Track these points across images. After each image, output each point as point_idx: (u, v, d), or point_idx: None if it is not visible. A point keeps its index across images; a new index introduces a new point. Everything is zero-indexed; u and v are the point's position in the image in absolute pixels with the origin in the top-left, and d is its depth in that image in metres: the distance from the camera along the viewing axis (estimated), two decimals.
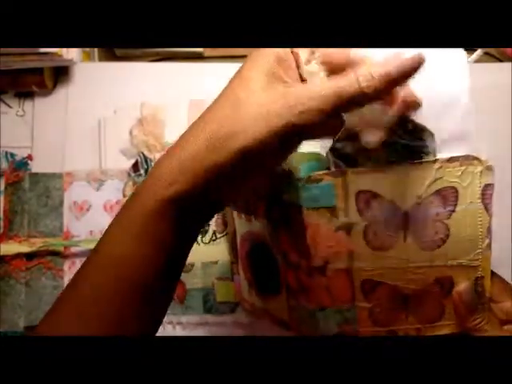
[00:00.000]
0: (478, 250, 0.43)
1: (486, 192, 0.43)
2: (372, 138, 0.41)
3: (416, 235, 0.44)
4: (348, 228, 0.44)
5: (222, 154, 0.35)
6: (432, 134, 0.42)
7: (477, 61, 0.64)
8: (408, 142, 0.42)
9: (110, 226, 0.38)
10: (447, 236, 0.43)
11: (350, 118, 0.39)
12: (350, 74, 0.36)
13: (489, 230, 0.43)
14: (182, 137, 0.38)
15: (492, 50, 0.64)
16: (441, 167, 0.42)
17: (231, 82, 0.40)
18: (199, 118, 0.39)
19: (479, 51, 0.64)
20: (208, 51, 0.66)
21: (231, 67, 0.63)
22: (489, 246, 0.44)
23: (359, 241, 0.44)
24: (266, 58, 0.38)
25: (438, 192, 0.43)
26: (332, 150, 0.42)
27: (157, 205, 0.36)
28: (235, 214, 0.56)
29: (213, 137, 0.36)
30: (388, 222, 0.44)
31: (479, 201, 0.43)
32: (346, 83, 0.35)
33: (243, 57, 0.65)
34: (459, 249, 0.43)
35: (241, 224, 0.55)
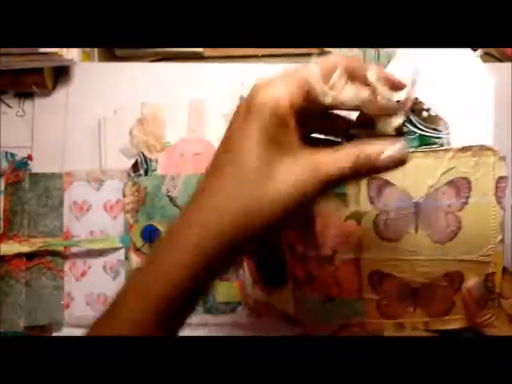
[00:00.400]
0: (490, 246, 0.43)
1: (500, 185, 0.42)
2: (388, 125, 0.40)
3: (427, 226, 0.43)
4: (358, 217, 0.44)
5: (247, 231, 0.35)
6: (447, 124, 0.41)
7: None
8: (423, 131, 0.41)
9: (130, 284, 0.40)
10: (459, 229, 0.43)
11: (367, 105, 0.38)
12: (351, 152, 0.35)
13: (502, 224, 0.43)
14: (199, 209, 0.37)
15: (492, 50, 0.64)
16: (453, 157, 0.42)
17: (225, 150, 0.39)
18: (205, 194, 0.38)
19: (479, 51, 0.64)
20: (208, 51, 0.66)
21: (231, 67, 0.64)
22: (501, 241, 0.43)
23: (369, 230, 0.44)
24: (260, 118, 0.35)
25: (450, 182, 0.43)
26: (347, 136, 0.42)
27: (180, 272, 0.36)
28: None
29: (234, 218, 0.36)
30: (399, 212, 0.43)
31: (492, 193, 0.42)
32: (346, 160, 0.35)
33: (243, 57, 0.65)
34: (471, 243, 0.43)
35: None
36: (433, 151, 0.42)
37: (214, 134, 0.62)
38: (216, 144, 0.61)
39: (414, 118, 0.41)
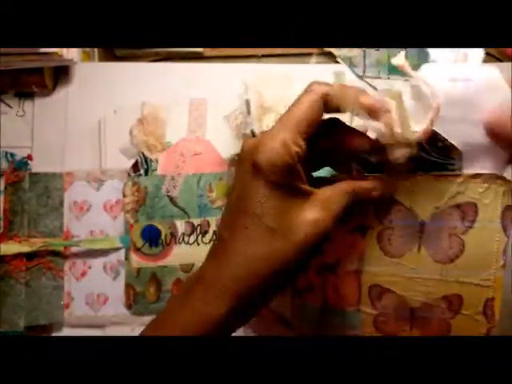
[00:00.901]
0: (492, 271, 0.43)
1: (507, 213, 0.42)
2: (400, 153, 0.41)
3: (430, 246, 0.43)
4: (363, 230, 0.44)
5: (277, 276, 0.38)
6: (460, 153, 0.41)
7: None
8: (436, 158, 0.42)
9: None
10: (461, 251, 0.43)
11: (380, 131, 0.40)
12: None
13: (504, 251, 0.42)
14: (219, 255, 0.40)
15: (492, 50, 0.64)
16: (463, 182, 0.42)
17: (240, 198, 0.39)
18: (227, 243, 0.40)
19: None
20: (208, 51, 0.66)
21: (231, 67, 0.64)
22: (502, 267, 0.43)
23: (373, 244, 0.44)
24: (269, 176, 0.37)
25: (457, 206, 0.42)
26: (357, 161, 0.43)
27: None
28: None
29: (264, 265, 0.38)
30: (404, 230, 0.44)
31: (498, 220, 0.42)
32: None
33: (243, 57, 0.65)
34: (472, 266, 0.43)
35: None
36: (443, 175, 0.42)
37: (214, 134, 0.62)
38: (216, 144, 0.62)
39: (427, 146, 0.41)
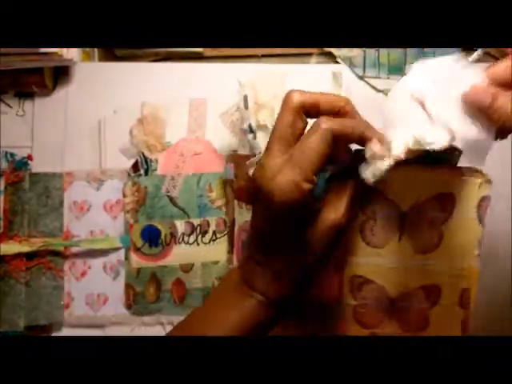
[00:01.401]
0: (468, 261, 0.44)
1: (482, 203, 0.44)
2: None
3: (411, 236, 0.44)
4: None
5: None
6: (460, 152, 0.41)
7: (477, 61, 0.64)
8: (437, 155, 0.42)
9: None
10: (440, 241, 0.44)
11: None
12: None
13: (480, 241, 0.44)
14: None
15: (492, 50, 0.64)
16: (442, 174, 0.44)
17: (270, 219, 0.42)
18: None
19: (479, 51, 0.64)
20: (208, 51, 0.66)
21: (231, 67, 0.64)
22: (478, 257, 0.44)
23: (356, 235, 0.45)
24: (288, 211, 0.40)
25: (436, 196, 0.44)
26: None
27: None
28: (236, 203, 0.56)
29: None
30: (386, 220, 0.45)
31: (474, 210, 0.44)
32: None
33: (243, 57, 0.65)
34: (450, 256, 0.44)
35: (241, 213, 0.55)
36: (424, 167, 0.43)
37: (214, 133, 0.62)
38: (216, 144, 0.62)
39: None
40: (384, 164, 0.39)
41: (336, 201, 0.42)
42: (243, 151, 0.59)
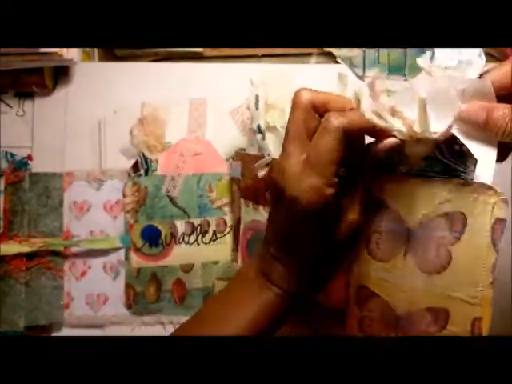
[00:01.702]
0: (480, 288, 0.40)
1: (497, 226, 0.40)
2: (416, 149, 0.42)
3: (416, 254, 0.42)
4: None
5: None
6: (476, 161, 0.40)
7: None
8: (450, 162, 0.41)
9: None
10: (448, 263, 0.41)
11: (400, 131, 0.40)
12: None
13: (493, 268, 0.40)
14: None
15: (492, 50, 0.64)
16: (452, 189, 0.41)
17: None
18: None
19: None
20: (208, 51, 0.66)
21: (231, 67, 0.64)
22: (491, 284, 0.40)
23: (361, 246, 0.44)
24: (310, 214, 0.40)
25: (445, 215, 0.41)
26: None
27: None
28: (242, 201, 0.56)
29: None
30: (392, 234, 0.43)
31: (488, 234, 0.40)
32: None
33: (243, 57, 0.65)
34: (460, 280, 0.41)
35: (247, 212, 0.55)
36: (433, 180, 0.41)
37: (214, 134, 0.62)
38: (216, 144, 0.62)
39: (443, 147, 0.41)
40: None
41: (352, 200, 0.43)
42: (252, 150, 0.59)
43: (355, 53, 0.64)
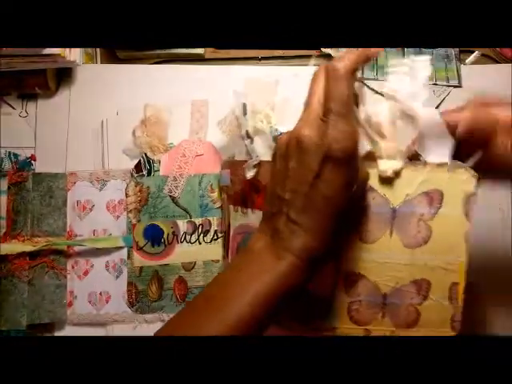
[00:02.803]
0: (456, 255, 0.46)
1: (469, 199, 0.45)
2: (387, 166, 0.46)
3: (401, 231, 0.46)
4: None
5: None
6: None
7: (474, 62, 0.65)
8: None
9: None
10: (428, 237, 0.46)
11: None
12: None
13: (466, 236, 0.45)
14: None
15: (489, 52, 0.65)
16: (431, 170, 0.46)
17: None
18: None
19: (476, 53, 0.65)
20: (208, 53, 0.67)
21: (232, 69, 0.64)
22: (466, 251, 0.45)
23: (350, 231, 0.46)
24: None
25: (425, 193, 0.46)
26: None
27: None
28: (231, 207, 0.57)
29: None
30: (378, 216, 0.46)
31: (461, 207, 0.45)
32: None
33: (244, 59, 0.66)
34: (439, 251, 0.46)
35: (235, 217, 0.56)
36: (413, 164, 0.46)
37: (216, 135, 0.63)
38: (217, 145, 0.62)
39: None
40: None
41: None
42: (239, 157, 0.60)
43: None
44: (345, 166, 0.39)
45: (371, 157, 0.46)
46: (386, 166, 0.46)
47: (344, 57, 0.40)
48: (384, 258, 0.46)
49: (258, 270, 0.41)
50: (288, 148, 0.41)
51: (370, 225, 0.46)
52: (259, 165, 0.53)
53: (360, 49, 0.41)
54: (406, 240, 0.46)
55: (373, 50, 0.41)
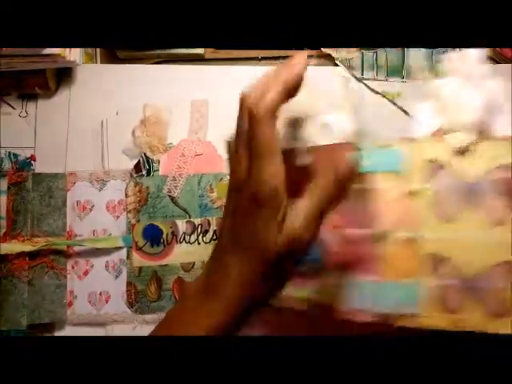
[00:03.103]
0: None
1: None
2: None
3: (482, 209, 0.42)
4: (415, 195, 0.43)
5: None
6: None
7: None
8: None
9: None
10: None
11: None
12: None
13: None
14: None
15: (489, 52, 0.65)
16: (505, 144, 0.43)
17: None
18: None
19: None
20: (208, 53, 0.67)
21: (232, 69, 0.64)
22: None
23: (426, 209, 0.43)
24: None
25: (504, 167, 0.42)
26: None
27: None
28: None
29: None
30: (455, 192, 0.43)
31: None
32: None
33: (244, 59, 0.66)
34: None
35: None
36: (487, 138, 0.43)
37: (216, 135, 0.63)
38: (217, 145, 0.62)
39: None
40: None
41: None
42: None
43: (353, 55, 0.65)
44: (268, 204, 0.37)
45: (440, 133, 0.43)
46: (457, 139, 0.43)
47: (266, 96, 0.36)
48: (466, 237, 0.42)
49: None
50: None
51: (447, 202, 0.42)
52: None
53: (281, 84, 0.37)
54: (488, 217, 0.42)
55: (294, 83, 0.37)
